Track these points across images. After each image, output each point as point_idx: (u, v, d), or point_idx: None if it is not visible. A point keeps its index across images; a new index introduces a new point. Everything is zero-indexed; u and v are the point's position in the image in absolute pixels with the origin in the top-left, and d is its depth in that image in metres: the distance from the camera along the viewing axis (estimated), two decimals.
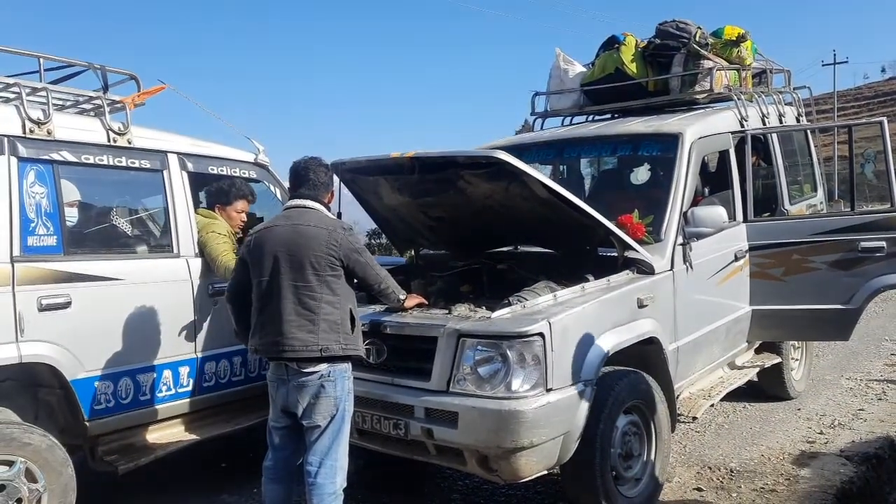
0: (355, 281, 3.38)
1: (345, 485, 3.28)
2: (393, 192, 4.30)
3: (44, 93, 3.85)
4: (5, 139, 3.57)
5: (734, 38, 5.53)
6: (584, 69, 5.97)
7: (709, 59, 5.36)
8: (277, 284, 3.19)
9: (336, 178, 4.26)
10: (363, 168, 4.24)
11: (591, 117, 6.14)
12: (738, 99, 5.31)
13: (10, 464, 3.36)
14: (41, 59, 4.00)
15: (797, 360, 6.11)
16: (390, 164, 4.04)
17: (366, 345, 3.58)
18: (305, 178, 3.39)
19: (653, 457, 3.94)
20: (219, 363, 4.37)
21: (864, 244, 4.58)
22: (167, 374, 4.12)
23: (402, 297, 3.61)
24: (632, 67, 5.57)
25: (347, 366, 3.28)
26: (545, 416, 3.27)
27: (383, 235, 14.62)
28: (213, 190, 4.63)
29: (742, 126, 5.17)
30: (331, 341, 3.15)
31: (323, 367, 3.17)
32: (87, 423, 3.80)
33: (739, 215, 4.92)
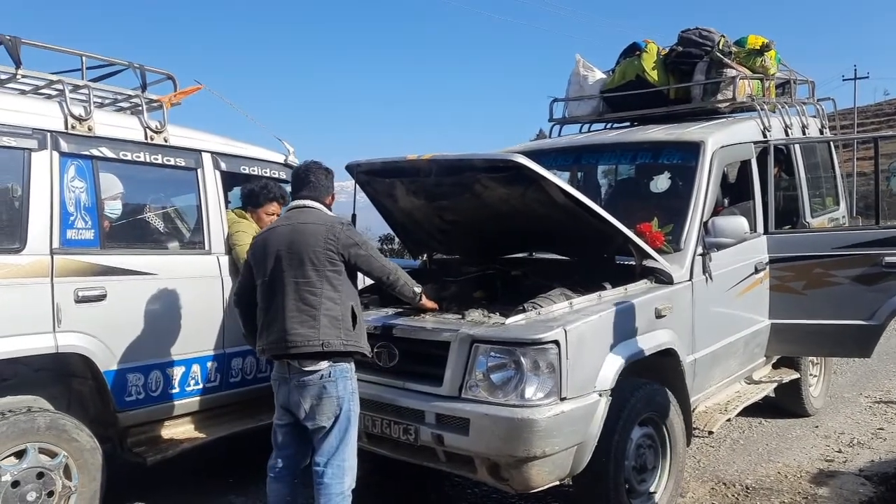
0: (363, 278, 3.36)
1: (353, 486, 3.26)
2: (408, 194, 4.25)
3: (85, 90, 3.95)
4: (48, 134, 3.66)
5: (758, 48, 5.44)
6: (603, 76, 5.91)
7: (732, 67, 5.28)
8: (280, 282, 3.20)
9: (353, 181, 4.26)
10: (379, 170, 4.19)
11: (609, 124, 6.07)
12: (761, 109, 5.22)
13: (53, 455, 3.51)
14: (83, 58, 4.08)
15: (816, 376, 6.01)
16: (406, 166, 3.99)
17: (377, 348, 3.55)
18: (306, 180, 3.43)
19: (667, 471, 3.87)
20: (245, 359, 4.45)
21: (888, 259, 4.46)
22: (196, 368, 4.21)
23: (417, 289, 3.57)
24: (653, 75, 5.49)
25: (349, 365, 3.26)
26: (558, 425, 3.20)
27: (394, 241, 14.67)
28: (245, 191, 4.68)
29: (765, 136, 5.08)
30: (331, 336, 3.14)
31: (323, 365, 3.16)
32: (118, 414, 3.91)
33: (760, 227, 4.83)
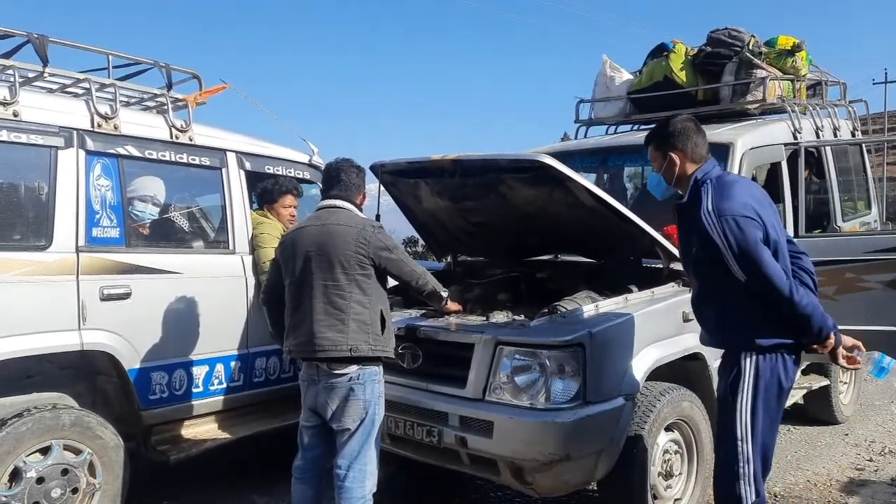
0: (391, 282, 3.33)
1: (374, 490, 3.22)
2: (433, 195, 4.24)
3: (111, 89, 3.96)
4: (75, 132, 3.68)
5: (789, 48, 5.37)
6: (631, 77, 5.86)
7: (762, 68, 5.21)
8: (308, 284, 3.16)
9: (376, 182, 4.24)
10: (403, 170, 4.18)
11: (636, 126, 6.01)
12: (792, 110, 5.14)
13: (77, 452, 3.52)
14: (110, 56, 4.09)
15: (846, 383, 5.90)
16: (431, 166, 3.97)
17: (401, 349, 3.53)
18: (337, 178, 3.38)
19: (693, 477, 3.80)
20: (269, 359, 4.44)
21: None
22: (219, 367, 4.21)
23: (444, 293, 3.53)
24: (681, 76, 5.44)
25: (378, 369, 3.23)
26: (583, 429, 3.16)
27: (418, 244, 14.62)
28: (259, 191, 4.68)
29: (795, 138, 5.01)
30: (360, 341, 3.10)
31: (353, 368, 3.13)
32: (142, 413, 3.91)
33: (790, 231, 4.75)
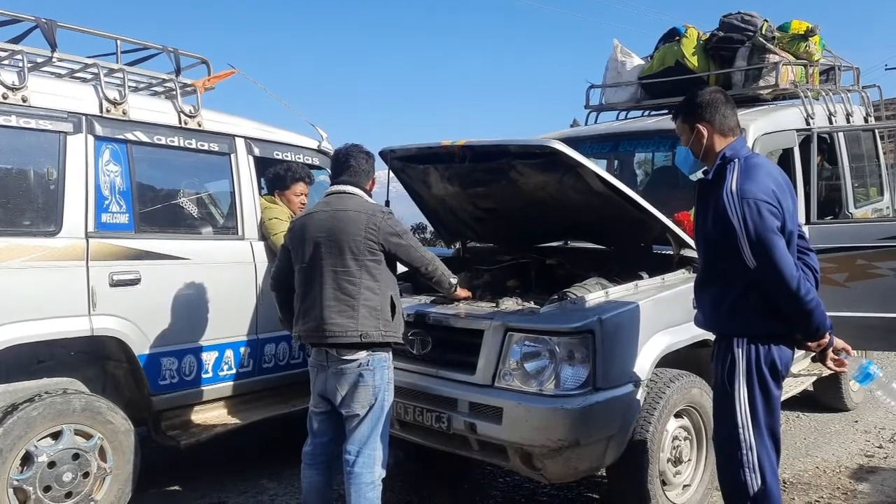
0: (401, 268, 3.32)
1: (384, 475, 3.23)
2: (442, 181, 4.21)
3: (120, 74, 3.95)
4: (83, 118, 3.68)
5: (802, 33, 5.31)
6: (642, 62, 5.81)
7: (775, 53, 5.16)
8: (318, 270, 3.16)
9: (385, 167, 4.23)
10: (413, 156, 4.16)
11: (647, 112, 5.96)
12: (805, 96, 5.09)
13: (88, 436, 3.54)
14: (118, 41, 4.08)
15: None
16: (441, 152, 3.95)
17: (410, 336, 3.52)
18: (346, 164, 3.37)
19: (703, 463, 3.80)
20: (278, 345, 4.45)
21: None
22: (229, 353, 4.23)
23: (453, 280, 3.53)
24: (693, 61, 5.38)
25: (387, 355, 3.23)
26: (592, 415, 3.16)
27: (426, 230, 14.61)
28: (270, 176, 4.67)
29: (808, 124, 4.96)
30: (370, 327, 3.10)
31: (362, 354, 3.13)
32: (152, 398, 3.93)
33: (802, 217, 4.70)
